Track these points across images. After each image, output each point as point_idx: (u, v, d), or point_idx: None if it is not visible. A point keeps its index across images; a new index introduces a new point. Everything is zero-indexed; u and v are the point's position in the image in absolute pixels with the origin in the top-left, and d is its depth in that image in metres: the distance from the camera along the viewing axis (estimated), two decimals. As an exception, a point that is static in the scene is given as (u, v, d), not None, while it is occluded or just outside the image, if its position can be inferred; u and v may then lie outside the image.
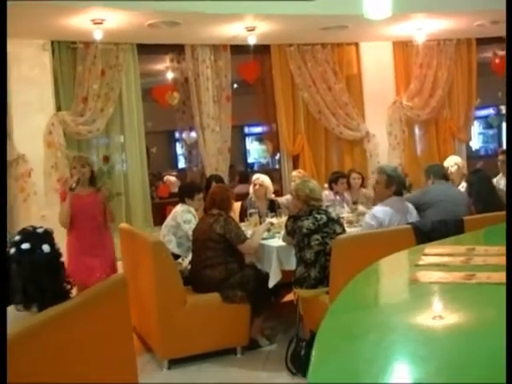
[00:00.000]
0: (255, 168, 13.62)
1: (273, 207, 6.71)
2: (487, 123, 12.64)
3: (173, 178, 9.79)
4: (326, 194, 7.23)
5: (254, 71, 8.31)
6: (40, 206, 6.85)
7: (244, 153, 14.13)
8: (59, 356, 2.69)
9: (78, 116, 7.14)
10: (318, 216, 4.95)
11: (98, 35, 6.69)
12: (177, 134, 13.25)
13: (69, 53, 7.24)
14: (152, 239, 5.23)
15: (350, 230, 5.43)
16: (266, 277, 5.28)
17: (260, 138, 13.15)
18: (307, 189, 5.06)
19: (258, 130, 12.88)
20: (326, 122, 8.54)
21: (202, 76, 7.96)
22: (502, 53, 8.63)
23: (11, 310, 3.08)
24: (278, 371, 4.79)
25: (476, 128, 12.49)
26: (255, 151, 14.21)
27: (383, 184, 5.15)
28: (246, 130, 13.93)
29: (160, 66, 9.05)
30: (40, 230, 3.21)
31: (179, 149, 13.18)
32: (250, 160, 14.31)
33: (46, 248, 3.11)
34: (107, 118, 7.32)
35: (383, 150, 8.74)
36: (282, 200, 7.22)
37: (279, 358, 4.91)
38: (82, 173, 5.56)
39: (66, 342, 2.75)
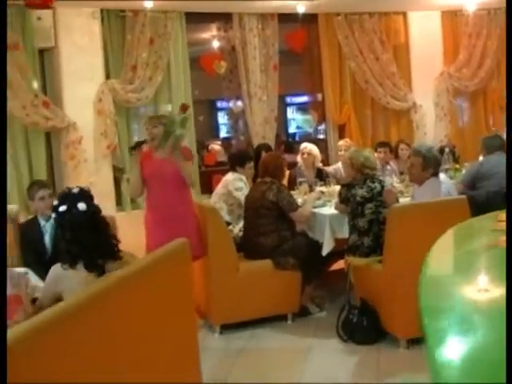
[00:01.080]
0: (297, 138, 13.59)
1: (321, 176, 6.73)
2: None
3: (217, 147, 9.84)
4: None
5: (302, 40, 8.27)
6: (90, 173, 6.93)
7: (285, 122, 14.09)
8: (122, 321, 2.72)
9: (127, 84, 7.17)
10: (372, 185, 4.95)
11: (147, 3, 6.69)
12: (218, 104, 13.32)
13: (118, 21, 7.25)
14: (208, 206, 5.29)
15: (401, 200, 5.42)
16: (317, 245, 5.32)
17: (303, 107, 13.12)
18: (362, 157, 5.06)
19: (301, 99, 12.85)
20: (372, 92, 8.47)
21: (249, 45, 7.93)
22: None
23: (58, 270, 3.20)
24: (328, 338, 4.87)
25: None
26: (297, 121, 14.17)
27: (419, 167, 4.90)
28: (288, 99, 13.86)
29: (206, 35, 9.03)
30: (75, 190, 3.31)
31: (221, 118, 13.23)
32: (292, 130, 14.27)
33: (81, 206, 3.20)
34: (156, 87, 7.33)
35: (430, 121, 8.65)
36: (329, 169, 7.23)
37: (329, 325, 4.99)
38: (153, 134, 4.97)
39: (127, 307, 2.77)
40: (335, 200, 5.37)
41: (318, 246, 5.30)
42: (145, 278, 2.97)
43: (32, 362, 1.98)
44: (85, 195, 3.31)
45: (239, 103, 8.36)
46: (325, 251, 5.22)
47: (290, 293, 5.21)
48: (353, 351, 4.62)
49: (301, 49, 8.39)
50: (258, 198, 5.25)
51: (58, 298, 3.14)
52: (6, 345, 1.75)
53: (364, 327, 4.69)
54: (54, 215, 3.30)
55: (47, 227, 4.79)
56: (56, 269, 3.26)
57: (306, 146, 7.06)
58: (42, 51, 6.87)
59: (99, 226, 3.29)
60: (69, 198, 3.27)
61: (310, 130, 12.09)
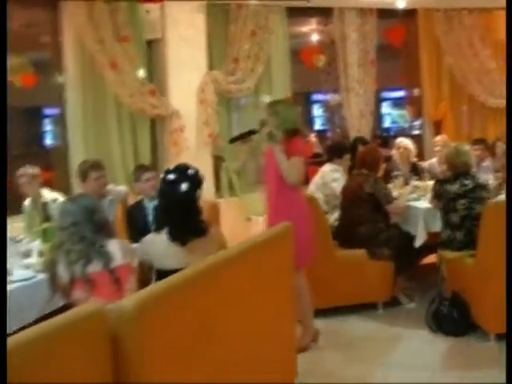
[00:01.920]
0: (391, 132, 13.57)
1: (415, 171, 6.81)
2: None
3: (314, 139, 10.00)
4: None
5: (400, 35, 8.34)
6: (191, 161, 7.20)
7: (380, 117, 14.07)
8: (223, 302, 2.85)
9: (229, 75, 7.43)
10: (466, 181, 4.99)
11: (251, -1, 6.93)
12: (314, 96, 13.44)
13: (221, 14, 7.53)
14: (307, 195, 5.47)
15: (497, 198, 5.44)
16: (410, 237, 5.45)
17: (399, 102, 13.08)
18: (457, 153, 5.12)
19: (396, 94, 12.79)
20: (470, 89, 8.45)
21: (348, 39, 8.09)
22: None
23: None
24: (417, 328, 4.99)
25: None
26: (392, 115, 14.12)
27: None
28: (384, 94, 13.84)
29: (305, 29, 9.21)
30: (190, 171, 3.57)
31: (316, 110, 13.35)
32: (386, 124, 14.24)
33: (184, 186, 3.45)
34: (256, 78, 7.58)
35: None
36: (424, 164, 7.30)
37: (418, 317, 5.11)
38: (267, 122, 4.64)
39: (228, 289, 2.92)
40: (429, 194, 5.47)
41: (411, 238, 5.43)
42: (246, 260, 3.16)
43: (145, 328, 2.26)
44: (194, 179, 3.58)
45: (336, 96, 8.52)
46: (417, 243, 5.35)
47: (383, 282, 5.35)
48: (442, 342, 4.72)
49: (399, 44, 8.46)
50: (355, 190, 5.42)
51: (149, 265, 3.47)
52: (5, 345, 1.77)
53: (454, 319, 4.77)
54: (161, 175, 3.60)
55: (150, 208, 5.09)
56: (148, 236, 3.57)
57: (402, 141, 7.16)
58: (149, 43, 7.21)
59: (192, 208, 3.55)
60: (180, 172, 3.55)
61: (405, 125, 12.08)
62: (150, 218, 5.06)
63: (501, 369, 3.94)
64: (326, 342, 4.83)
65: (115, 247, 3.24)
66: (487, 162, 7.39)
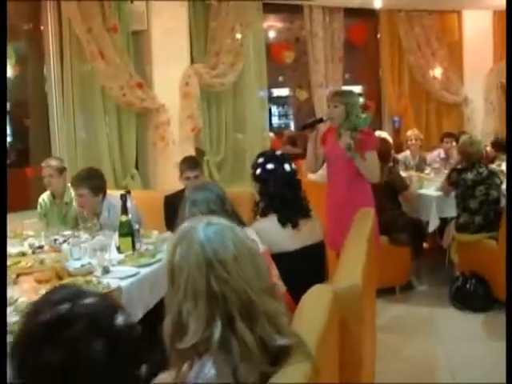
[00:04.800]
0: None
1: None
2: None
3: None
4: (436, 153, 7.78)
5: (363, 34, 8.87)
6: (176, 155, 7.13)
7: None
8: None
9: (211, 69, 7.48)
10: (480, 169, 5.40)
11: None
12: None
13: (203, 8, 7.56)
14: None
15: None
16: (421, 223, 5.80)
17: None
18: (470, 143, 5.51)
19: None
20: (428, 86, 8.96)
21: (316, 36, 8.36)
22: None
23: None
24: (442, 307, 5.35)
25: None
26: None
27: None
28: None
29: (274, 25, 9.37)
30: (278, 153, 3.74)
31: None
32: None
33: (287, 167, 3.64)
34: (237, 73, 7.66)
35: (478, 115, 9.17)
36: (400, 157, 7.66)
37: (437, 297, 5.49)
38: (333, 113, 4.75)
39: None
40: (435, 183, 5.87)
41: (422, 224, 5.79)
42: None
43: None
44: (288, 158, 3.74)
45: (303, 92, 8.79)
46: (431, 228, 5.73)
47: (400, 267, 5.66)
48: (474, 317, 5.10)
49: (362, 42, 8.86)
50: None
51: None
52: (5, 345, 1.76)
53: (480, 296, 5.18)
54: (258, 171, 3.69)
55: None
56: (258, 224, 3.65)
57: (381, 134, 7.47)
58: (135, 34, 7.13)
59: (297, 186, 3.71)
60: (275, 159, 3.69)
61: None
62: None
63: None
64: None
65: (252, 234, 3.23)
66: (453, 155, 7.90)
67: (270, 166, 3.64)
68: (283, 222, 3.54)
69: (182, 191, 5.16)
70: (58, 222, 5.14)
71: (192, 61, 7.49)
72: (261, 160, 3.70)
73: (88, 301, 1.36)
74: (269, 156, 3.74)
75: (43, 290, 2.94)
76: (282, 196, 3.58)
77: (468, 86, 9.16)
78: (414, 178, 6.37)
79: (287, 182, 3.64)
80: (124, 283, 3.24)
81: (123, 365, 1.31)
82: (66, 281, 3.15)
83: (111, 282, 3.20)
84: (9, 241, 3.99)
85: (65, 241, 4.02)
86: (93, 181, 4.73)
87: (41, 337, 1.28)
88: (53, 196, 5.30)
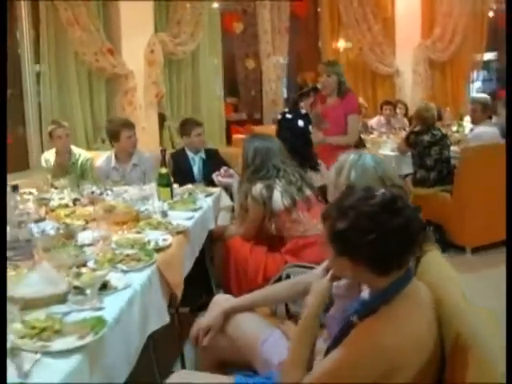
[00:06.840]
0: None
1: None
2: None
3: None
4: (376, 119, 8.63)
5: (306, 8, 9.48)
6: (142, 119, 7.53)
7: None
8: None
9: (174, 37, 7.90)
10: (435, 132, 6.21)
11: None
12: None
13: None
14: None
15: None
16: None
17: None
18: (426, 108, 6.30)
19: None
20: (365, 58, 9.78)
21: (264, 8, 8.97)
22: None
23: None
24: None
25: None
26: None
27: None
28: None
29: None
30: (303, 111, 4.45)
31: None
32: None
33: (300, 123, 4.38)
34: (197, 42, 8.13)
35: (408, 85, 10.05)
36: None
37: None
38: (326, 83, 5.29)
39: None
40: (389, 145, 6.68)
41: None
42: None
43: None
44: (307, 118, 4.41)
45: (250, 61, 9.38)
46: (389, 186, 6.48)
47: None
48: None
49: (304, 16, 9.53)
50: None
51: None
52: (5, 345, 1.82)
53: (436, 240, 5.95)
54: (279, 117, 4.42)
55: (196, 159, 5.54)
56: None
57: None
58: (105, 3, 7.42)
59: (308, 142, 4.40)
60: (296, 113, 4.39)
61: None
62: (196, 170, 5.50)
63: (477, 274, 5.26)
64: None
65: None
66: (393, 120, 8.77)
67: (288, 116, 4.31)
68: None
69: (183, 149, 5.67)
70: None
71: (156, 30, 7.86)
72: (286, 110, 4.37)
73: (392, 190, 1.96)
74: (293, 110, 4.40)
75: (121, 231, 3.37)
76: (292, 144, 4.15)
77: (399, 58, 10.00)
78: (370, 141, 7.14)
79: (298, 134, 4.29)
80: (189, 223, 3.68)
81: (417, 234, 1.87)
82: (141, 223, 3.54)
83: (180, 222, 3.60)
84: (40, 195, 4.40)
85: (101, 193, 4.38)
86: None
87: (380, 210, 1.79)
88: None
